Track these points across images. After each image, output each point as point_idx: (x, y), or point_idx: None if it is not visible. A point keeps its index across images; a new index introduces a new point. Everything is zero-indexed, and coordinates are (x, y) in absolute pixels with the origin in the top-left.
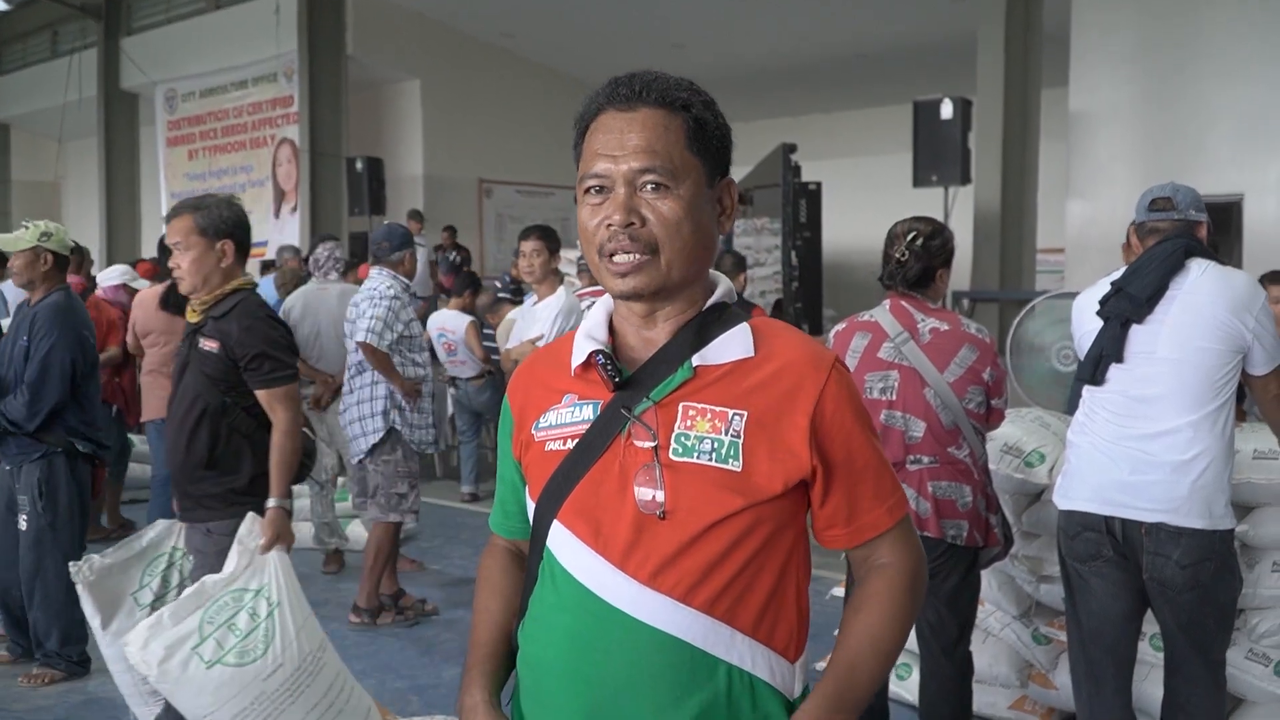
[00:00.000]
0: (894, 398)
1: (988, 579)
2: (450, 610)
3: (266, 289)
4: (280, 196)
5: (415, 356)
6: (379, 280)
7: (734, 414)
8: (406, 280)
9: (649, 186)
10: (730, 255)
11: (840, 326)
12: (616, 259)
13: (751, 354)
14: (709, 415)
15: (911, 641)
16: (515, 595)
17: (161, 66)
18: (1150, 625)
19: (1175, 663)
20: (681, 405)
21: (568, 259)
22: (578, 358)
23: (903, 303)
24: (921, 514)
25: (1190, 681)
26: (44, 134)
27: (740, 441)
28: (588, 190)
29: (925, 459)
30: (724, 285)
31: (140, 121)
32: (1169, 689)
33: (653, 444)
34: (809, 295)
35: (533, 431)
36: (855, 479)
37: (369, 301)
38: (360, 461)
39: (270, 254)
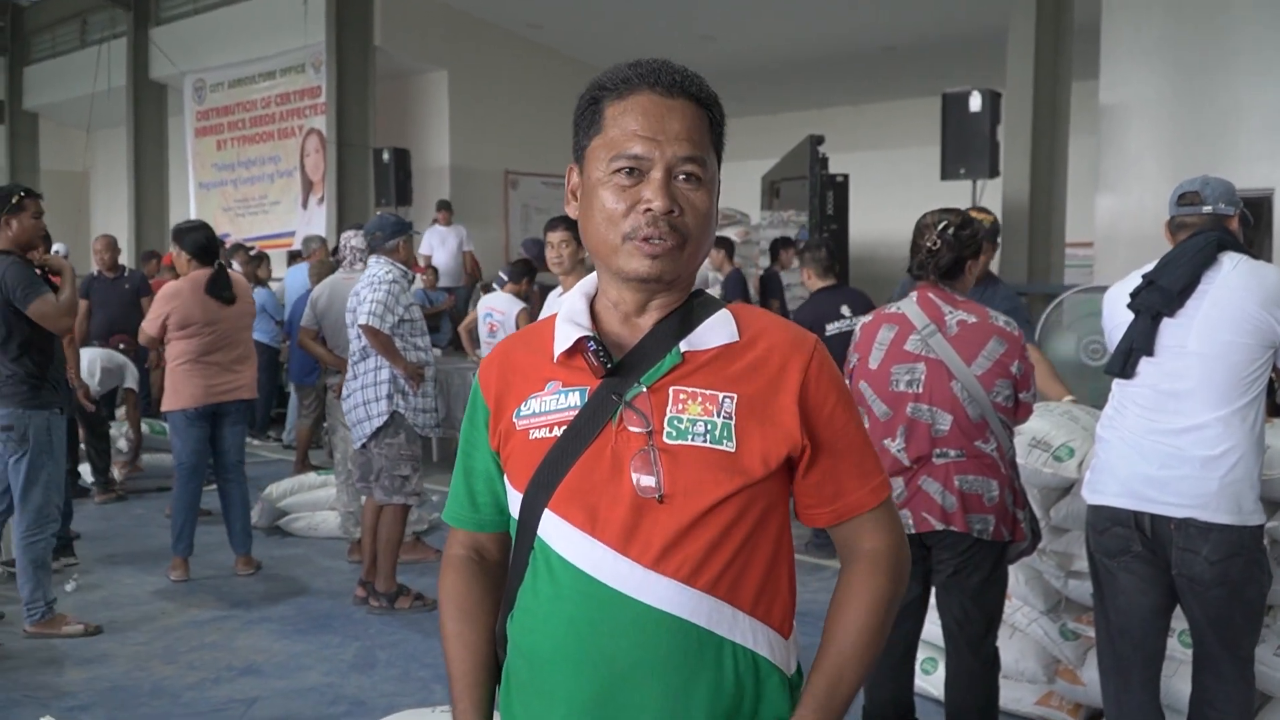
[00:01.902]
0: (920, 390)
1: (1015, 574)
2: None
3: (294, 279)
4: (308, 187)
5: (417, 341)
6: (378, 267)
7: (724, 396)
8: (404, 267)
9: (683, 176)
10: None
11: (867, 319)
12: (652, 241)
13: (736, 338)
14: (700, 399)
15: (937, 636)
16: (482, 612)
17: (190, 57)
18: (1179, 621)
19: (1203, 659)
20: (672, 390)
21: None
22: (561, 344)
23: (930, 295)
24: (948, 508)
25: (1219, 678)
26: (73, 124)
27: (732, 423)
28: (618, 170)
29: (952, 452)
30: (699, 274)
31: (169, 111)
32: (1197, 685)
33: (646, 429)
34: None
35: (514, 420)
36: (838, 457)
37: (369, 287)
38: (363, 445)
39: (296, 244)
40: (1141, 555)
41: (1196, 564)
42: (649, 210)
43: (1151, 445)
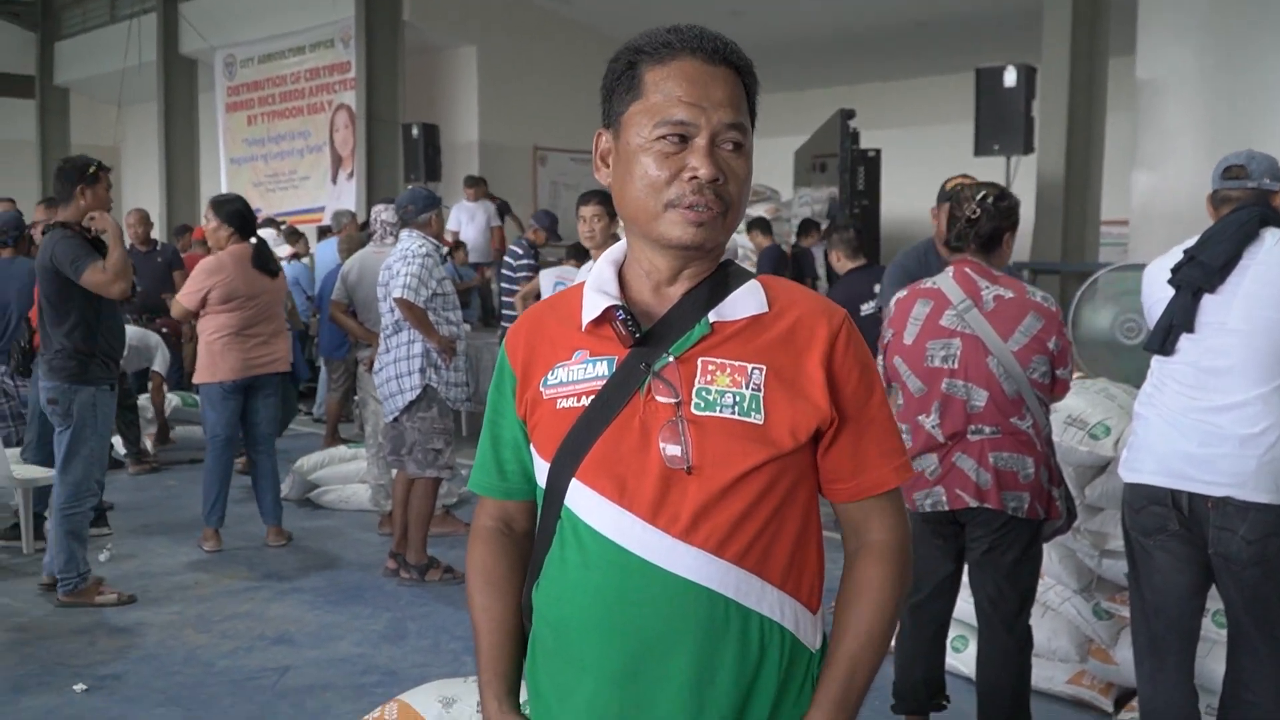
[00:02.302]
0: (956, 366)
1: (1048, 552)
2: None
3: (325, 253)
4: (337, 162)
5: (449, 315)
6: (410, 241)
7: (753, 368)
8: (436, 241)
9: (728, 144)
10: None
11: (901, 294)
12: (697, 208)
13: (766, 309)
14: (728, 370)
15: (968, 614)
16: (509, 584)
17: (220, 32)
18: (1213, 601)
19: (1238, 639)
20: (701, 360)
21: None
22: (590, 313)
23: (967, 269)
24: (982, 485)
25: (1254, 658)
26: (103, 99)
27: (761, 395)
28: (662, 137)
29: (987, 429)
30: (729, 244)
31: (199, 87)
32: (1231, 665)
33: (675, 399)
34: None
35: (541, 389)
36: (861, 432)
37: (402, 261)
38: (396, 419)
39: (326, 219)
40: (1178, 534)
41: (1233, 543)
42: (694, 178)
43: (1190, 423)
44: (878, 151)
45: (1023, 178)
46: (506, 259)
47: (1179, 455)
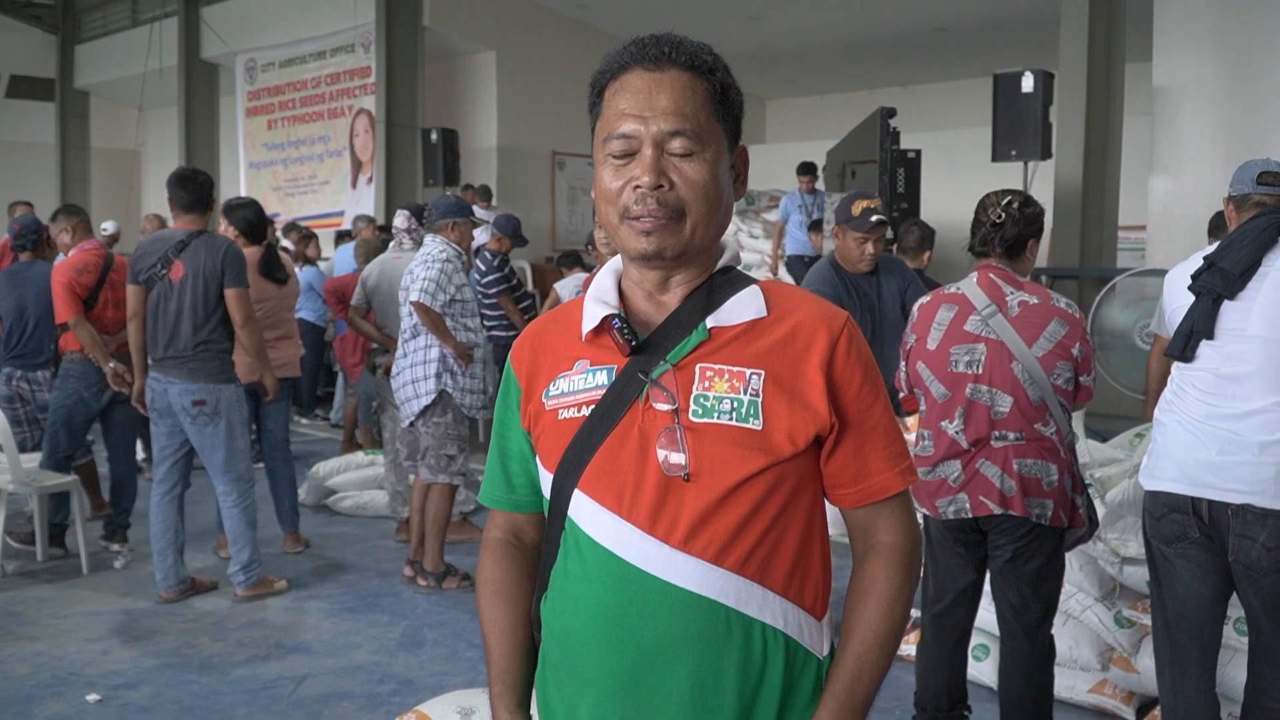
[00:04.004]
0: (980, 371)
1: (1070, 560)
2: None
3: (343, 258)
4: (357, 167)
5: (467, 321)
6: (432, 245)
7: (751, 373)
8: (458, 247)
9: (677, 150)
10: (918, 228)
11: (925, 299)
12: (641, 219)
13: (764, 314)
14: (727, 375)
15: (989, 623)
16: (519, 596)
17: (241, 36)
18: (1234, 609)
19: (1259, 647)
20: (698, 367)
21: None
22: (589, 323)
23: (991, 275)
24: (1006, 492)
25: (1274, 666)
26: (124, 102)
27: (759, 400)
28: (611, 150)
29: (1011, 435)
30: (731, 249)
31: (220, 91)
32: (1253, 673)
33: (672, 406)
34: None
35: (543, 400)
36: (864, 436)
37: (422, 265)
38: (411, 424)
39: (346, 224)
40: (1199, 542)
41: (1253, 550)
42: (638, 187)
43: (1210, 430)
44: (918, 152)
45: (1040, 183)
46: (474, 274)
47: (1199, 463)
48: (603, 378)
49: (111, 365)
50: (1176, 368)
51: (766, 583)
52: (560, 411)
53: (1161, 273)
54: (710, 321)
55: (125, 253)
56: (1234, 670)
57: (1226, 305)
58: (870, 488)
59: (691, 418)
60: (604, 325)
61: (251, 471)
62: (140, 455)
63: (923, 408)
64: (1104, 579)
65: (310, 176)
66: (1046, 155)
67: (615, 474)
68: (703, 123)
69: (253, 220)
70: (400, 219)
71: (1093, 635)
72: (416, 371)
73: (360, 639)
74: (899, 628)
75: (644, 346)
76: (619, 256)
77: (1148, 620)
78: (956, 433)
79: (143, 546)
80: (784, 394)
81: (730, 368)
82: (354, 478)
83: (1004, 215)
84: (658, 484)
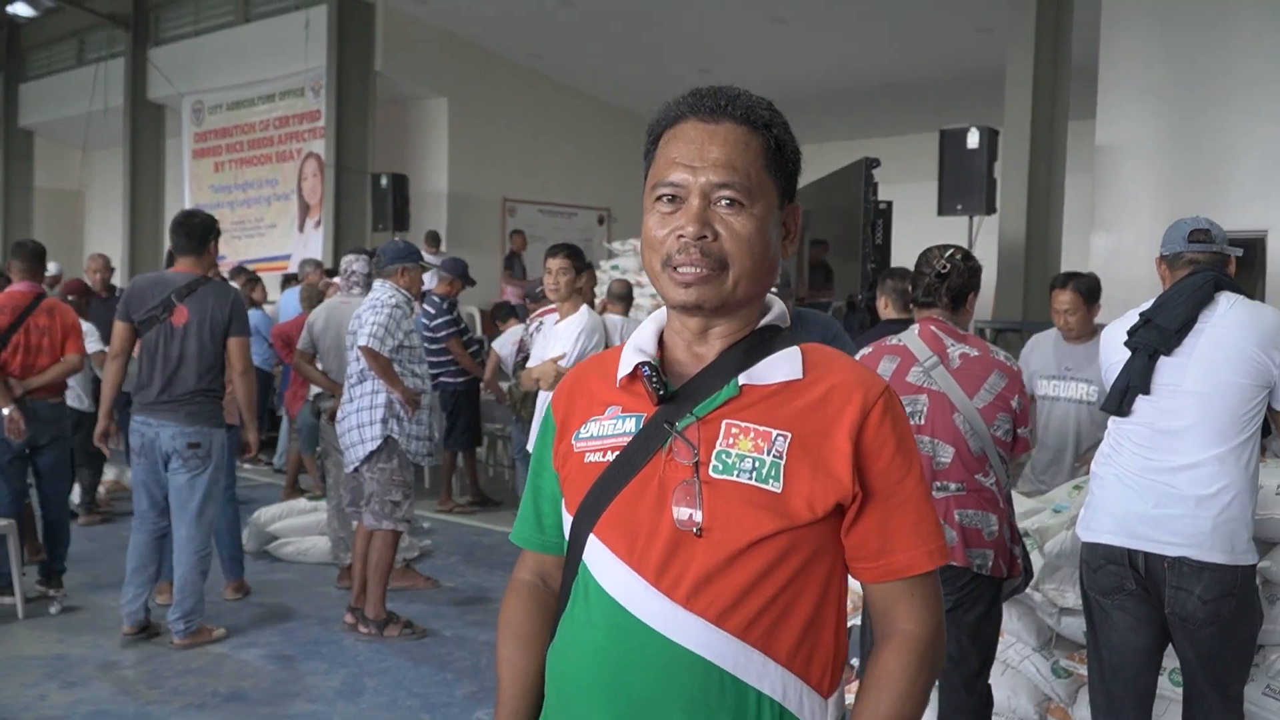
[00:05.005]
0: (922, 422)
1: (1008, 610)
2: (464, 629)
3: (289, 302)
4: (305, 210)
5: (415, 368)
6: (381, 291)
7: (777, 434)
8: (408, 293)
9: (724, 202)
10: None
11: (866, 351)
12: (682, 269)
13: (800, 376)
14: (752, 434)
15: None
16: (538, 639)
17: (189, 78)
18: (1169, 660)
19: (1194, 698)
20: (725, 423)
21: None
22: (624, 369)
23: (932, 327)
24: (948, 543)
25: (1208, 716)
26: (68, 142)
27: (782, 463)
28: (659, 199)
29: (952, 485)
30: (777, 308)
31: (166, 133)
32: None
33: (693, 460)
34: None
35: (573, 442)
36: (892, 510)
37: (371, 310)
38: (356, 469)
39: (292, 267)
40: (1135, 593)
41: (1189, 603)
42: (681, 236)
43: (1146, 483)
44: (889, 204)
45: (985, 237)
46: (421, 318)
47: (1135, 515)
48: (631, 425)
49: (6, 412)
50: (1113, 422)
51: (769, 651)
52: (587, 455)
53: (1102, 329)
54: (743, 379)
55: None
56: None
57: (1163, 361)
58: (892, 564)
59: (711, 473)
60: (637, 373)
61: (216, 523)
62: (75, 500)
63: None
64: (1042, 629)
65: (257, 220)
66: (991, 210)
67: (631, 522)
68: (753, 177)
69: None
70: (361, 264)
71: (1030, 685)
72: (362, 416)
73: (299, 687)
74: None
75: (674, 397)
76: (664, 308)
77: (1084, 670)
78: None
79: (76, 592)
80: (809, 459)
81: (757, 426)
82: (296, 524)
83: (949, 266)
84: (670, 537)
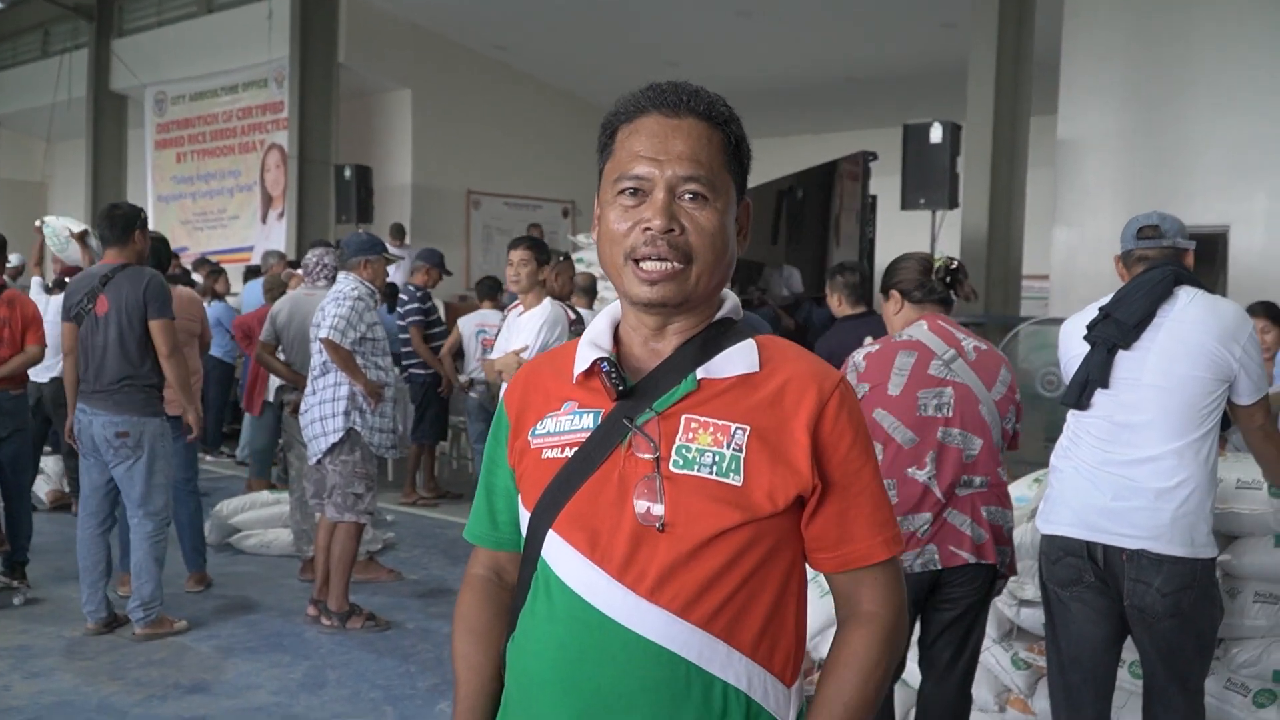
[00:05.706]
0: (951, 414)
1: None
2: (427, 621)
3: (252, 294)
4: (268, 202)
5: (378, 360)
6: (344, 283)
7: (736, 428)
8: (371, 285)
9: (688, 196)
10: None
11: (873, 348)
12: (646, 265)
13: (757, 369)
14: (711, 429)
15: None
16: (494, 634)
17: (152, 69)
18: (1129, 653)
19: (1154, 691)
20: (684, 417)
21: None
22: (580, 365)
23: (941, 323)
24: (977, 540)
25: (1168, 710)
26: (32, 133)
27: (742, 456)
28: (622, 192)
29: (977, 480)
30: (731, 301)
31: (129, 124)
32: (1147, 717)
33: (654, 455)
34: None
35: (529, 438)
36: (849, 501)
37: (334, 302)
38: (318, 461)
39: (255, 259)
40: (1094, 586)
41: (1148, 595)
42: (648, 229)
43: (1105, 476)
44: (874, 198)
45: (948, 231)
46: (399, 309)
47: (1094, 508)
48: (589, 421)
49: None
50: (1072, 415)
51: (733, 641)
52: (544, 451)
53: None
54: (701, 373)
55: None
56: (1128, 714)
57: (1121, 355)
58: (851, 554)
59: (672, 468)
60: (594, 369)
61: (169, 509)
62: (38, 491)
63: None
64: (1002, 620)
65: (220, 211)
66: (954, 205)
67: (591, 518)
68: (715, 172)
69: (159, 252)
70: (330, 256)
71: (990, 676)
72: (325, 409)
73: (261, 679)
74: (872, 702)
75: (632, 392)
76: (618, 302)
77: (1044, 662)
78: (929, 478)
79: (40, 583)
80: (768, 451)
81: (715, 421)
82: (258, 516)
83: (956, 262)
84: (632, 532)
